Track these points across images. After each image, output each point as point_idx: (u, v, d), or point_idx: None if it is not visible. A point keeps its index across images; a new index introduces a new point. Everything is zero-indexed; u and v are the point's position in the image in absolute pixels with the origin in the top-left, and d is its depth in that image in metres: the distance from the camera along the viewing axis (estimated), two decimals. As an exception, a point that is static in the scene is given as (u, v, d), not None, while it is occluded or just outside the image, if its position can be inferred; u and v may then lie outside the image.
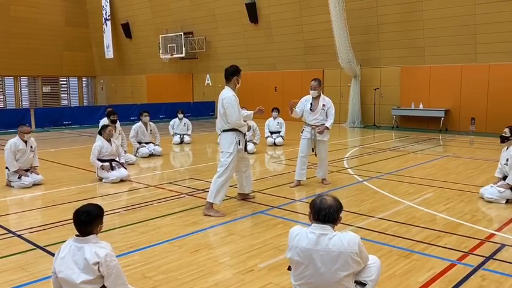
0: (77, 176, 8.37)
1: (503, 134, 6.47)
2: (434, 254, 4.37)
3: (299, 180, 7.35)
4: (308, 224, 3.09)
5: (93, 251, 2.93)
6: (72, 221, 3.06)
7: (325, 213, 2.95)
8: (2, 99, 26.89)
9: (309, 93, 7.18)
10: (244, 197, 6.50)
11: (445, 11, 14.98)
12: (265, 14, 19.96)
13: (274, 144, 12.00)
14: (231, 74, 5.92)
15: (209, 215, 5.72)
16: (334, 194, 3.15)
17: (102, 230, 3.16)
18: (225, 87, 5.96)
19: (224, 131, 5.93)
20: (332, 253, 2.89)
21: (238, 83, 5.97)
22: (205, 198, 6.52)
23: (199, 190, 7.11)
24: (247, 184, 6.40)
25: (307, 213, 3.11)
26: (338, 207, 3.00)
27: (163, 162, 10.06)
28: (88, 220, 2.99)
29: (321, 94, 7.28)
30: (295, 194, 6.86)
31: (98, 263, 2.91)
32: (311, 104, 7.15)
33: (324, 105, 7.17)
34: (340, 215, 3.03)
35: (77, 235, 3.03)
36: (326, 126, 7.18)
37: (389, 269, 4.00)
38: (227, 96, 5.80)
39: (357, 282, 3.06)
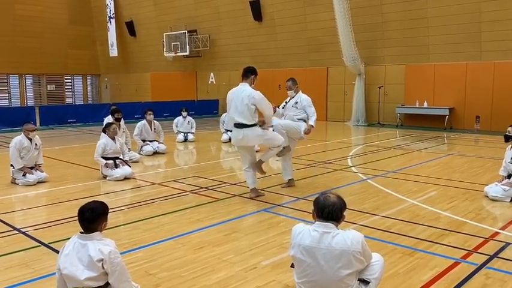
0: (81, 173, 8.40)
1: (507, 133, 6.44)
2: (438, 252, 4.36)
3: (289, 179, 7.21)
4: (311, 222, 3.09)
5: (97, 248, 2.94)
6: (76, 218, 3.07)
7: (329, 210, 2.95)
8: (7, 97, 27.02)
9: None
10: (257, 194, 6.57)
11: (450, 8, 14.91)
12: (269, 12, 19.93)
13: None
14: (251, 72, 6.17)
15: (260, 174, 6.52)
16: (337, 192, 3.15)
17: (106, 227, 3.18)
18: (243, 83, 6.13)
19: (251, 126, 6.03)
20: (335, 251, 2.89)
21: (253, 83, 6.19)
22: (209, 196, 6.56)
23: (202, 188, 7.12)
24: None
25: (311, 211, 3.11)
26: (342, 205, 3.00)
27: (167, 160, 10.08)
28: (92, 217, 3.01)
29: (299, 92, 7.00)
30: (298, 192, 6.86)
31: (102, 259, 2.92)
32: (286, 102, 7.04)
33: (296, 102, 6.91)
34: (344, 213, 3.02)
35: (81, 232, 3.05)
36: (311, 125, 6.79)
37: (392, 267, 3.99)
38: (257, 92, 6.01)
39: (360, 280, 3.06)
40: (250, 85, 6.15)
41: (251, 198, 6.40)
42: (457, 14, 14.78)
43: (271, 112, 6.18)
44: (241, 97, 6.00)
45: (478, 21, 14.43)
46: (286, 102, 7.10)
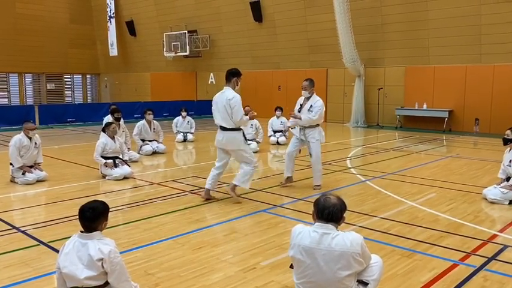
0: (80, 172, 8.40)
1: (506, 136, 6.46)
2: (437, 254, 4.37)
3: (288, 177, 7.23)
4: (311, 222, 3.10)
5: (97, 247, 2.95)
6: (75, 217, 3.08)
7: (329, 211, 2.96)
8: (6, 96, 27.00)
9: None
10: (208, 197, 6.43)
11: (450, 11, 14.93)
12: (270, 13, 19.95)
13: (277, 143, 12.01)
14: (232, 74, 6.14)
15: (231, 195, 6.25)
16: (337, 194, 3.15)
17: (106, 227, 3.18)
18: (226, 87, 6.14)
19: (232, 129, 6.11)
20: (334, 252, 2.90)
21: (237, 85, 6.17)
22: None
23: (202, 188, 7.10)
24: (216, 181, 6.53)
25: (311, 212, 3.11)
26: (342, 206, 3.01)
27: (167, 160, 10.09)
28: (93, 216, 3.01)
29: (314, 95, 7.01)
30: (297, 192, 6.87)
31: (102, 259, 2.93)
32: (301, 105, 7.03)
33: (311, 106, 6.91)
34: (344, 214, 3.03)
35: (81, 231, 3.05)
36: (299, 116, 6.86)
37: (391, 269, 4.00)
38: (234, 95, 6.01)
39: (359, 282, 3.07)
40: (234, 87, 6.14)
41: (198, 195, 6.58)
42: (457, 17, 14.81)
43: (238, 119, 6.00)
44: (222, 100, 6.06)
45: (478, 23, 14.45)
46: (300, 104, 7.04)
